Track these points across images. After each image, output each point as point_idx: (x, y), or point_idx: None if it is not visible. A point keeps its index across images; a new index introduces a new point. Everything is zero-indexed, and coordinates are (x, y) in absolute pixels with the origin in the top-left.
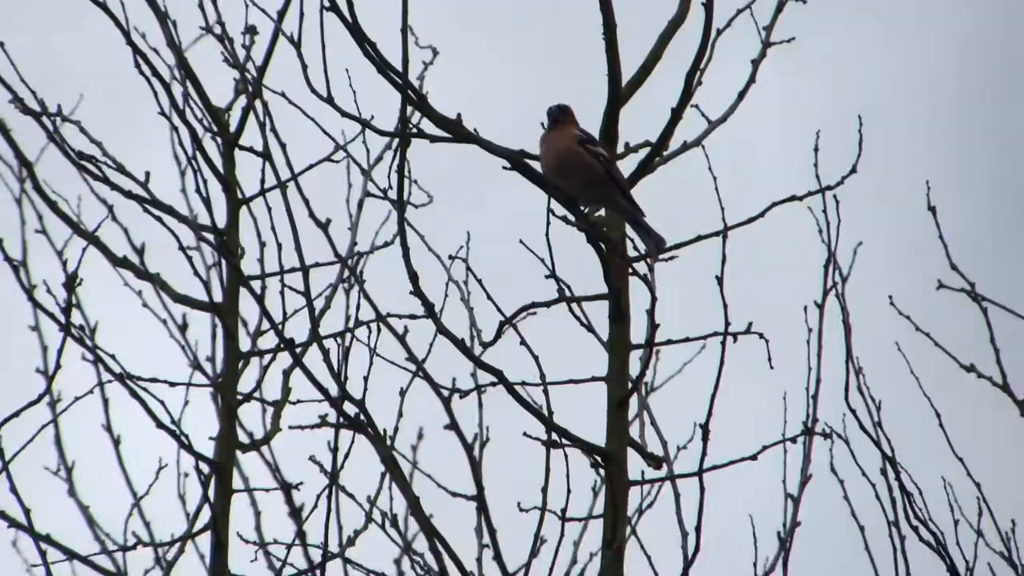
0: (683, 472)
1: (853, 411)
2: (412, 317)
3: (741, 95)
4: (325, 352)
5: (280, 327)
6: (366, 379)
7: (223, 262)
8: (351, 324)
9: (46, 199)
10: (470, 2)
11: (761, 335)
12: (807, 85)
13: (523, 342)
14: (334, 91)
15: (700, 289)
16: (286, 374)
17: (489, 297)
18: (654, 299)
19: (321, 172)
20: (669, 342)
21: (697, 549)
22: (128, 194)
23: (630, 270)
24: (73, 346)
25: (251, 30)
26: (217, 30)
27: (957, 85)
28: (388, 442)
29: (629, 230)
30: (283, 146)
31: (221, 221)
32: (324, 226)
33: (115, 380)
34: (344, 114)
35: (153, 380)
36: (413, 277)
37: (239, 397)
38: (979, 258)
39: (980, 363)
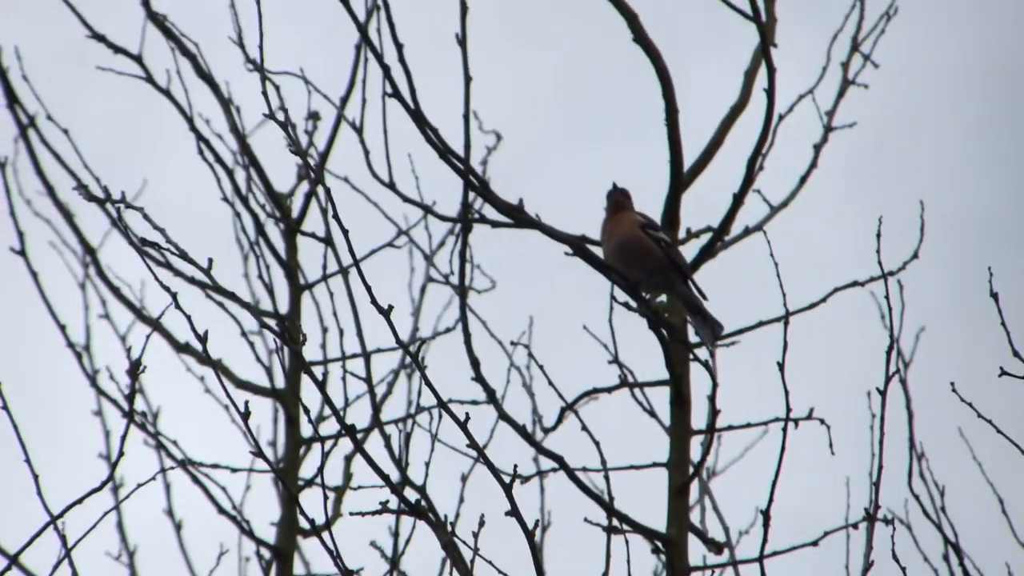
0: (744, 558)
1: (916, 497)
2: (474, 403)
3: (803, 180)
4: (386, 438)
5: (341, 413)
6: (427, 465)
7: (285, 348)
8: (412, 410)
9: (109, 285)
10: (532, 88)
11: (822, 421)
12: (869, 170)
13: (584, 428)
14: (396, 176)
15: (761, 375)
16: (347, 460)
17: (550, 383)
18: (715, 385)
19: (383, 257)
20: (730, 428)
21: None
22: (191, 280)
23: (691, 356)
24: (136, 432)
25: (314, 116)
26: (280, 116)
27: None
28: (449, 528)
29: (689, 316)
30: (345, 232)
31: (283, 307)
32: (386, 312)
33: (177, 466)
34: (406, 199)
35: (215, 466)
36: (475, 363)
37: (300, 483)
38: None
39: None
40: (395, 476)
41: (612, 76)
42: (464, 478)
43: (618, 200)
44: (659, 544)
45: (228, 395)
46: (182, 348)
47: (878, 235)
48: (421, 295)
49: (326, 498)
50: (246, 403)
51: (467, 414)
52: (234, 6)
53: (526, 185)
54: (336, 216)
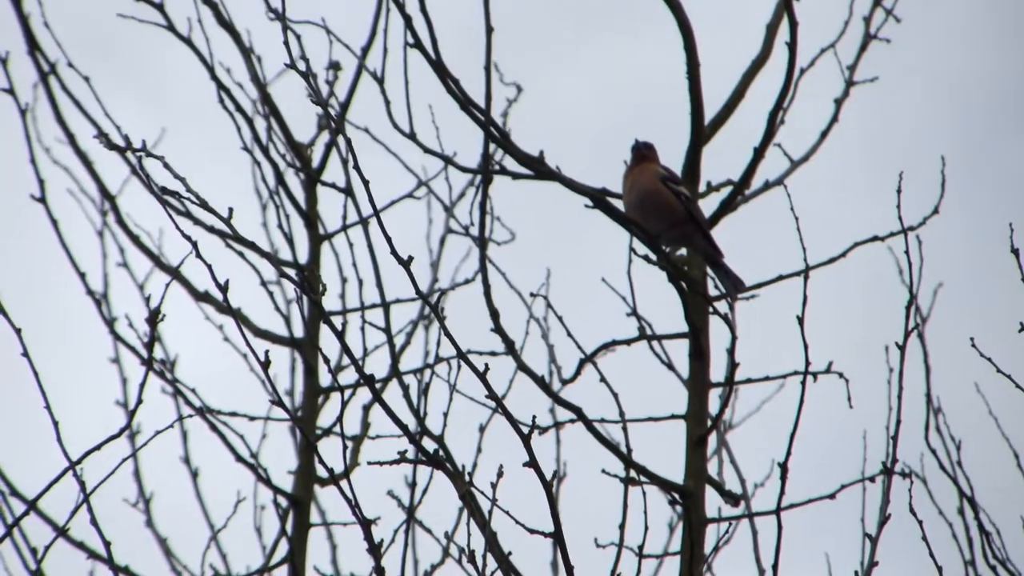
0: (761, 510)
1: (933, 451)
2: (492, 354)
3: (824, 134)
4: (405, 388)
5: (360, 363)
6: (445, 415)
7: (304, 298)
8: (431, 360)
9: (129, 233)
10: (553, 41)
11: (841, 375)
12: (890, 125)
13: (603, 379)
14: (417, 127)
15: (781, 328)
16: (365, 409)
17: (569, 334)
18: (734, 338)
19: (403, 208)
20: (749, 381)
21: None
22: (211, 229)
23: (711, 309)
24: (154, 380)
25: (335, 66)
26: (301, 66)
27: None
28: (466, 478)
29: (709, 270)
30: (365, 182)
31: (303, 257)
32: (406, 263)
33: (195, 414)
34: (427, 150)
35: (233, 414)
36: (494, 314)
37: (318, 432)
38: None
39: None
40: (413, 426)
41: (634, 26)
42: (482, 429)
43: (642, 152)
44: (676, 496)
45: (248, 344)
46: (201, 297)
47: (898, 190)
48: (441, 246)
49: (344, 447)
50: (266, 352)
51: (486, 365)
52: None
53: (547, 137)
54: (356, 166)
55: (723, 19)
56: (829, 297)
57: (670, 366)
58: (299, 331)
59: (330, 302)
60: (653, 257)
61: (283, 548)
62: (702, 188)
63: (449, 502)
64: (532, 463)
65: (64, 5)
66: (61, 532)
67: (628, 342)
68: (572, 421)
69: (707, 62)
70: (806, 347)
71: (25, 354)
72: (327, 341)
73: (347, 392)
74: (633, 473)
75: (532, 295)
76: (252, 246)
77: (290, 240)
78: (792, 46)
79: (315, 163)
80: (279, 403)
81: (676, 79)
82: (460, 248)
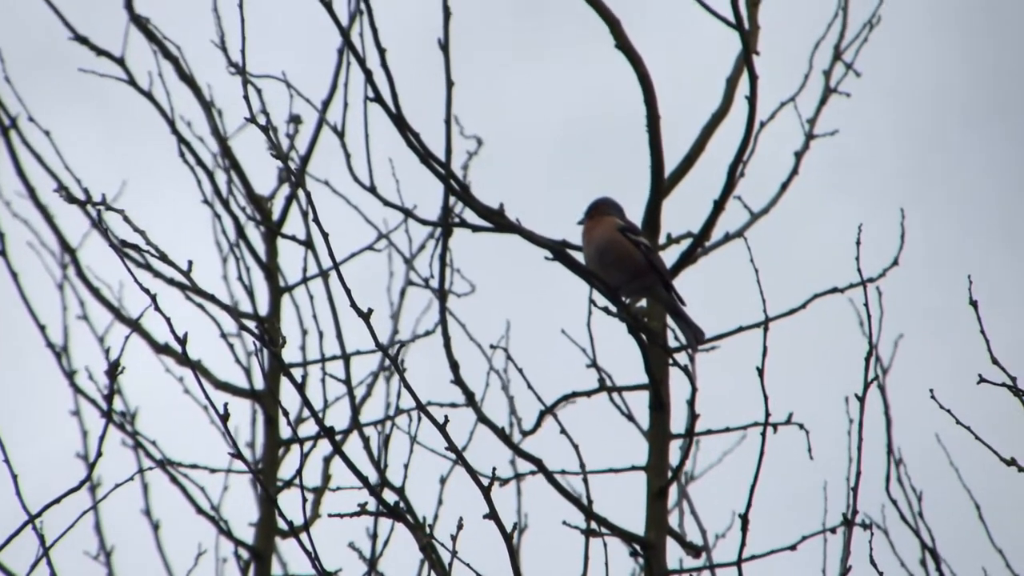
0: (722, 562)
1: (894, 502)
2: (453, 406)
3: (784, 187)
4: (365, 440)
5: (321, 415)
6: (406, 467)
7: (264, 350)
8: (391, 412)
9: (89, 286)
10: (514, 94)
11: (801, 426)
12: (849, 177)
13: (563, 431)
14: (377, 180)
15: (741, 380)
16: (326, 461)
17: (529, 386)
18: (694, 389)
19: (363, 261)
20: (709, 432)
21: None
22: (170, 282)
23: (671, 361)
24: (114, 432)
25: (295, 120)
26: (261, 119)
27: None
28: (427, 530)
29: (670, 321)
30: (325, 235)
31: (263, 309)
32: (366, 315)
33: (156, 466)
34: (387, 203)
35: (193, 466)
36: (454, 366)
37: (279, 484)
38: (1021, 353)
39: (1021, 457)
40: (374, 478)
41: (594, 82)
42: (443, 480)
43: (599, 207)
44: (637, 547)
45: (207, 396)
46: (161, 349)
47: (858, 242)
48: (401, 298)
49: (305, 499)
50: (225, 404)
51: (446, 416)
52: (217, 10)
53: (507, 190)
54: (316, 219)
55: (683, 72)
56: (789, 348)
57: (630, 418)
58: (259, 383)
59: (290, 354)
60: (613, 309)
61: None
62: (662, 240)
63: (410, 554)
64: (493, 515)
65: (24, 61)
66: None
67: (588, 394)
68: (533, 473)
69: (667, 115)
70: (766, 398)
71: None
72: (287, 393)
73: (308, 444)
74: (594, 525)
75: (492, 347)
76: (212, 298)
77: (250, 292)
78: (752, 99)
79: (275, 216)
80: (239, 456)
81: (637, 133)
82: (420, 300)
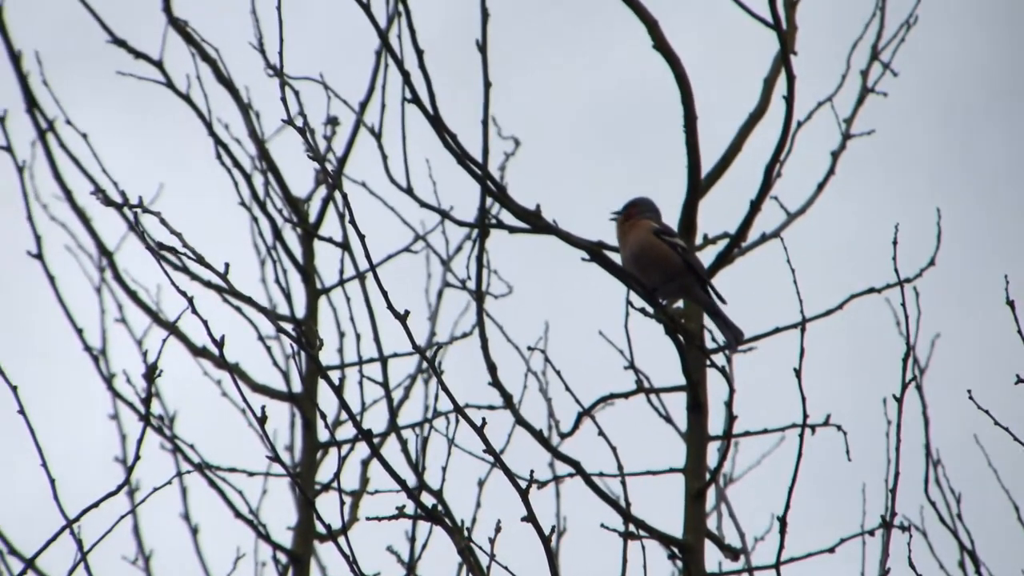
0: (761, 564)
1: (932, 503)
2: (490, 408)
3: (820, 187)
4: (403, 443)
5: (358, 418)
6: (444, 470)
7: (302, 352)
8: (429, 415)
9: (126, 289)
10: (551, 94)
11: (839, 427)
12: (887, 177)
13: (601, 433)
14: (414, 182)
15: (778, 381)
16: (364, 464)
17: (567, 388)
18: (732, 391)
19: (400, 262)
20: (747, 434)
21: None
22: (208, 284)
23: (708, 362)
24: (152, 436)
25: (333, 121)
26: (299, 121)
27: None
28: (465, 533)
29: (707, 322)
30: (362, 237)
31: (300, 311)
32: (403, 317)
33: (194, 470)
34: (423, 204)
35: (231, 470)
36: (492, 368)
37: (317, 487)
38: None
39: None
40: (412, 481)
41: (631, 82)
42: (481, 483)
43: (631, 212)
44: (675, 550)
45: (245, 399)
46: (199, 352)
47: (894, 242)
48: (438, 300)
49: (343, 503)
50: (263, 407)
51: (484, 419)
52: (255, 12)
53: (544, 191)
54: (353, 221)
55: (721, 72)
56: (826, 349)
57: (668, 419)
58: (297, 386)
59: (328, 356)
60: (650, 310)
61: None
62: (699, 241)
63: (448, 557)
64: (530, 518)
65: (63, 61)
66: None
67: (626, 395)
68: (571, 475)
69: (704, 115)
70: (804, 399)
71: (22, 411)
72: (325, 396)
73: (345, 447)
74: (632, 527)
75: (530, 348)
76: (249, 301)
77: (287, 295)
78: (789, 99)
79: (312, 218)
80: (277, 459)
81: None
82: (458, 302)
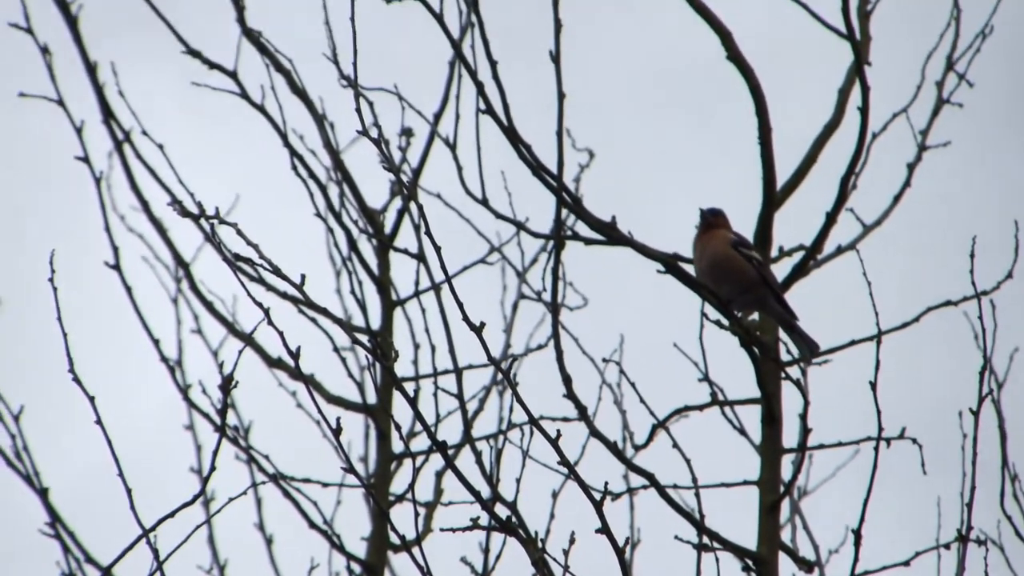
0: None
1: (1009, 518)
2: (565, 420)
3: (896, 199)
4: (478, 454)
5: (433, 429)
6: (518, 481)
7: (377, 364)
8: (504, 426)
9: (203, 300)
10: (625, 106)
11: (914, 440)
12: (963, 189)
13: (675, 445)
14: (489, 193)
15: (853, 394)
16: (438, 476)
17: (642, 400)
18: (807, 403)
19: (476, 274)
20: (822, 446)
21: None
22: (283, 295)
23: (783, 374)
24: (228, 446)
25: (407, 132)
26: (373, 132)
27: None
28: (539, 545)
29: (782, 334)
30: (438, 248)
31: (375, 323)
32: (478, 329)
33: (269, 480)
34: (499, 216)
35: (306, 480)
36: (567, 380)
37: (391, 498)
38: None
39: None
40: (486, 492)
41: (706, 93)
42: (555, 495)
43: (708, 220)
44: (749, 562)
45: (320, 411)
46: (274, 363)
47: (971, 254)
48: (513, 312)
49: (417, 513)
50: (338, 419)
51: (558, 431)
52: (328, 23)
53: (619, 202)
54: (428, 232)
55: (795, 84)
56: (902, 362)
57: (742, 432)
58: (372, 397)
59: (402, 368)
60: (725, 322)
61: None
62: (774, 253)
63: (522, 568)
64: (605, 529)
65: (139, 73)
66: None
67: (700, 408)
68: (645, 487)
69: (779, 127)
70: (879, 412)
71: (99, 422)
72: (400, 407)
73: (420, 458)
74: (706, 539)
75: (604, 361)
76: (325, 312)
77: (363, 306)
78: (864, 111)
79: (387, 229)
80: (351, 470)
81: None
82: (533, 313)
